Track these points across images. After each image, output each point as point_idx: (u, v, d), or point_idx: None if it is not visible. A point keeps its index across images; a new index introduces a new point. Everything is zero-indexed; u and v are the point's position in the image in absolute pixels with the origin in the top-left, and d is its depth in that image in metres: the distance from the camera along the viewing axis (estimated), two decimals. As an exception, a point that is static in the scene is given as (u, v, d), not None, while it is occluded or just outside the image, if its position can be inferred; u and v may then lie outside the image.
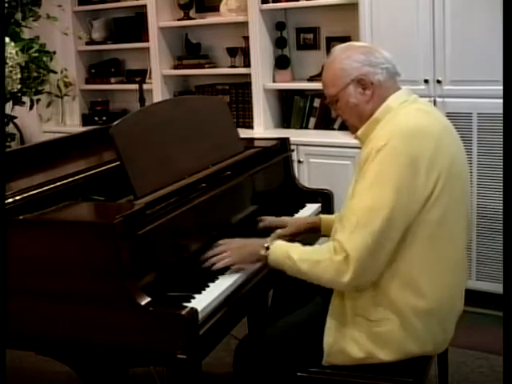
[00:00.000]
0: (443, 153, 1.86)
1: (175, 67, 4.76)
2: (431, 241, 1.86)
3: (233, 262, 2.04)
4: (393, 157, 1.80)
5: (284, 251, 1.97)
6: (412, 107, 1.95)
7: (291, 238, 2.35)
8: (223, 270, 2.05)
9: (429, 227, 1.85)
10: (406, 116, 1.91)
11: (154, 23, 4.66)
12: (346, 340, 1.92)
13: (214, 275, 2.02)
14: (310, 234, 2.47)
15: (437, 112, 2.03)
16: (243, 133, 2.96)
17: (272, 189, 2.74)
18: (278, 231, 2.37)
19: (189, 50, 4.77)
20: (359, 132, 1.99)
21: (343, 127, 4.06)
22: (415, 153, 1.81)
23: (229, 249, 2.06)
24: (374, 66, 1.95)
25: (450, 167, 1.87)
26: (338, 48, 2.03)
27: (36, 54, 3.16)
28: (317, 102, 4.26)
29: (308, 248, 1.97)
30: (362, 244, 1.79)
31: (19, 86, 3.03)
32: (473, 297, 2.35)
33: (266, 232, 2.35)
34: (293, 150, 3.02)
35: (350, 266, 1.80)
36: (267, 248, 2.01)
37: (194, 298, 1.87)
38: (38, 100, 3.46)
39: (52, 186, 2.10)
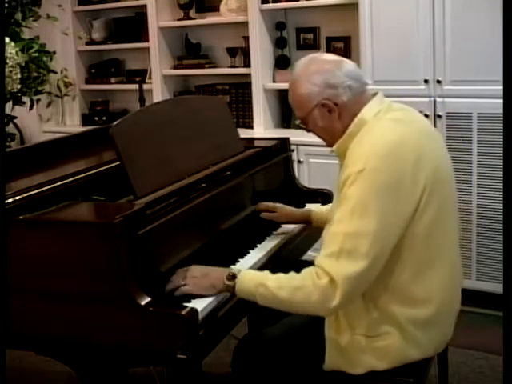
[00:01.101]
0: (426, 161, 1.81)
1: (175, 67, 4.76)
2: (423, 252, 1.83)
3: (190, 291, 1.88)
4: (373, 179, 1.75)
5: (255, 279, 1.85)
6: (387, 118, 1.88)
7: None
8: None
9: (419, 239, 1.81)
10: (381, 131, 1.84)
11: (154, 23, 4.66)
12: (347, 361, 1.90)
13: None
14: (312, 233, 2.49)
15: (413, 117, 1.96)
16: (243, 133, 2.96)
17: (272, 189, 2.74)
18: (265, 214, 2.43)
19: (189, 50, 4.77)
20: (335, 147, 1.93)
21: (343, 127, 4.06)
22: (396, 171, 1.76)
23: (188, 277, 1.90)
24: (336, 88, 1.88)
25: (435, 173, 1.83)
26: (299, 65, 1.95)
27: (36, 54, 3.16)
28: (317, 102, 4.26)
29: (282, 275, 1.85)
30: (350, 270, 1.73)
31: (19, 86, 3.03)
32: (473, 297, 2.35)
33: (264, 234, 2.37)
34: (293, 150, 3.02)
35: (336, 292, 1.73)
36: (233, 276, 1.87)
37: (194, 297, 1.87)
38: (38, 100, 3.46)
39: (52, 185, 2.10)
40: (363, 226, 1.74)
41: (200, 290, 1.89)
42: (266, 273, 1.88)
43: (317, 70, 1.90)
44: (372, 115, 1.88)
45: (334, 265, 1.74)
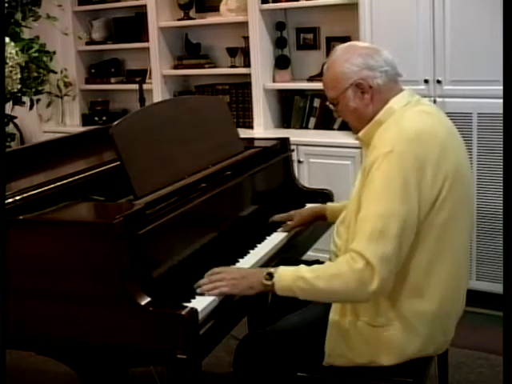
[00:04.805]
0: (448, 156, 1.85)
1: (175, 67, 4.76)
2: (436, 245, 1.85)
3: (229, 291, 1.90)
4: (400, 162, 1.79)
5: (292, 274, 1.85)
6: (415, 109, 1.93)
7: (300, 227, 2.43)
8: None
9: (434, 231, 1.84)
10: (409, 119, 1.89)
11: (154, 23, 4.66)
12: (347, 346, 1.92)
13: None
14: (312, 233, 2.51)
15: (440, 114, 2.01)
16: (243, 133, 2.96)
17: (272, 189, 2.74)
18: (287, 224, 2.42)
19: (189, 50, 4.77)
20: (361, 133, 1.98)
21: (343, 127, 4.06)
22: (421, 156, 1.80)
23: (226, 278, 1.91)
24: (373, 70, 1.93)
25: (455, 171, 1.86)
26: (339, 49, 2.02)
27: (36, 54, 3.17)
28: (317, 102, 4.26)
29: (318, 266, 1.87)
30: (383, 251, 1.75)
31: (19, 86, 3.04)
32: (473, 297, 2.34)
33: (264, 234, 2.37)
34: (293, 150, 3.02)
35: (374, 274, 1.74)
36: (271, 276, 1.88)
37: (194, 297, 1.87)
38: (38, 100, 3.46)
39: (52, 185, 2.10)
40: (391, 206, 1.77)
41: (238, 291, 1.91)
42: (302, 266, 1.89)
43: (357, 52, 1.98)
44: (401, 106, 1.93)
45: (367, 246, 1.76)
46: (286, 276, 1.87)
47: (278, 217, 2.48)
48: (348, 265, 1.78)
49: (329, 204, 2.52)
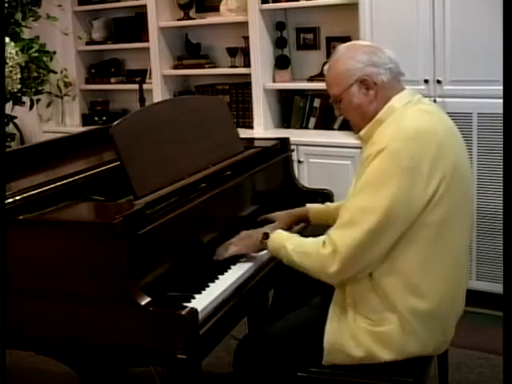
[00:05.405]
0: (447, 155, 1.85)
1: (175, 67, 4.76)
2: (432, 243, 1.85)
3: (238, 251, 2.14)
4: (393, 159, 1.80)
5: (281, 241, 2.02)
6: (415, 108, 1.93)
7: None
8: (223, 270, 2.06)
9: (430, 229, 1.84)
10: (409, 118, 1.89)
11: (154, 23, 4.66)
12: (347, 339, 1.92)
13: (213, 275, 2.02)
14: (311, 233, 2.49)
15: (441, 113, 2.01)
16: (243, 133, 2.96)
17: (272, 189, 2.74)
18: (268, 226, 2.39)
19: (189, 50, 4.77)
20: (362, 132, 1.98)
21: (343, 127, 4.06)
22: (417, 155, 1.80)
23: (235, 242, 2.16)
24: (378, 67, 1.94)
25: (453, 171, 1.86)
26: (342, 47, 2.02)
27: (36, 54, 3.17)
28: (317, 102, 4.26)
29: (304, 239, 2.00)
30: (352, 241, 1.81)
31: (19, 86, 3.04)
32: (473, 297, 2.35)
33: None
34: (293, 150, 3.02)
35: (336, 260, 1.83)
36: (267, 236, 2.08)
37: (193, 297, 1.87)
38: (38, 100, 3.46)
39: (52, 185, 2.10)
40: (375, 201, 1.80)
41: (245, 248, 2.16)
42: (293, 235, 2.07)
43: (361, 50, 1.99)
44: (402, 104, 1.94)
45: (340, 234, 1.85)
46: (276, 239, 2.05)
47: (263, 218, 2.47)
48: (317, 248, 1.89)
49: (310, 207, 2.52)
